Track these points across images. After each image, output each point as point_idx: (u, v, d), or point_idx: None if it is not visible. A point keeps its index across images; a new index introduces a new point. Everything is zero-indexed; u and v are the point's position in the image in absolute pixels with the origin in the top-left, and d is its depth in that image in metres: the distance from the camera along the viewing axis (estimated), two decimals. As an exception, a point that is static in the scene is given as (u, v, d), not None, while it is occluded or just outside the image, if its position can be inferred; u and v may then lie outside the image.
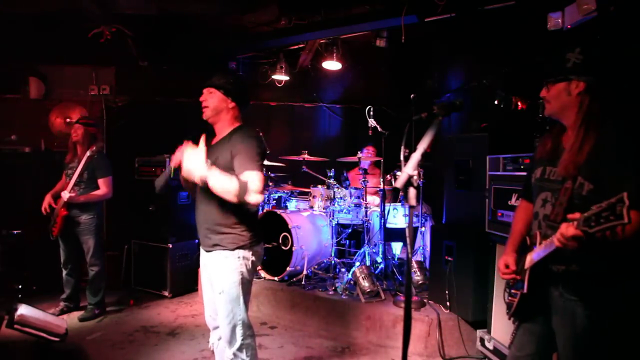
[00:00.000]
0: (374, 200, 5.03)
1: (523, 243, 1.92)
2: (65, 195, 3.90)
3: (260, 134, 2.43)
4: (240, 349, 2.30)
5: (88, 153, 3.98)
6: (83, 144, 4.07)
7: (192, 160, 2.05)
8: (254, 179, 2.09)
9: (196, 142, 2.12)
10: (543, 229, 1.76)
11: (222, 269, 2.27)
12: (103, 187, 4.10)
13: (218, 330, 2.45)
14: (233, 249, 2.25)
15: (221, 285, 2.27)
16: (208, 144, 2.33)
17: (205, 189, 2.17)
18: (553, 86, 1.72)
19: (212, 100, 2.32)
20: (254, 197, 2.07)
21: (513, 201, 2.89)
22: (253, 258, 2.32)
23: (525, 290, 1.74)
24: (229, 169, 2.17)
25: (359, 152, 4.72)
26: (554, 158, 1.77)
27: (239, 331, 2.29)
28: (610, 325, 1.63)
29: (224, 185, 2.04)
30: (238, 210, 2.23)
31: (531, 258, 1.74)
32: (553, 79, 1.72)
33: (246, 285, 2.31)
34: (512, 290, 1.91)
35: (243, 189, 2.05)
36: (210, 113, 2.33)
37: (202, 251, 2.44)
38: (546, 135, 1.93)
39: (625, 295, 1.63)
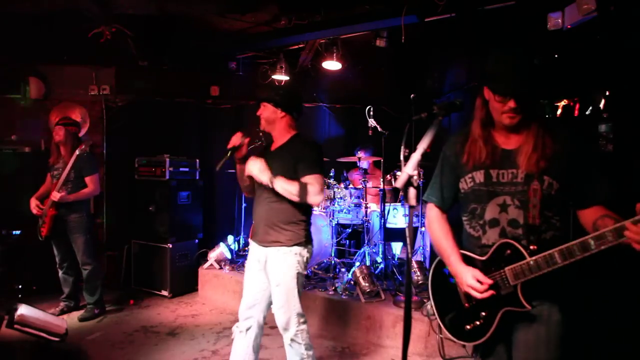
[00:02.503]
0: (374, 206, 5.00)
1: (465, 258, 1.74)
2: (56, 195, 3.91)
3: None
4: (296, 335, 2.52)
5: (77, 152, 3.98)
6: (66, 145, 4.09)
7: (257, 167, 2.40)
8: (314, 182, 2.40)
9: (248, 135, 2.57)
10: (519, 235, 1.61)
11: (280, 264, 2.48)
12: (90, 184, 4.11)
13: (249, 320, 2.59)
14: (291, 246, 2.48)
15: (278, 279, 2.48)
16: (268, 150, 2.66)
17: (267, 189, 2.48)
18: (530, 103, 1.64)
19: (266, 113, 2.57)
20: (314, 199, 2.41)
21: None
22: (307, 255, 2.55)
23: (528, 307, 1.56)
24: (291, 173, 2.44)
25: (358, 152, 4.72)
26: (498, 160, 1.67)
27: (294, 320, 2.51)
28: (575, 322, 1.63)
29: (287, 189, 2.37)
30: (296, 211, 2.49)
31: (526, 270, 1.55)
32: (536, 96, 1.70)
33: (300, 279, 2.53)
34: (482, 313, 1.67)
35: (304, 191, 2.37)
36: (265, 123, 2.60)
37: (253, 244, 2.62)
38: (461, 141, 1.78)
39: (583, 293, 1.63)
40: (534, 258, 1.53)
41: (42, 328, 3.18)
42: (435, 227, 1.86)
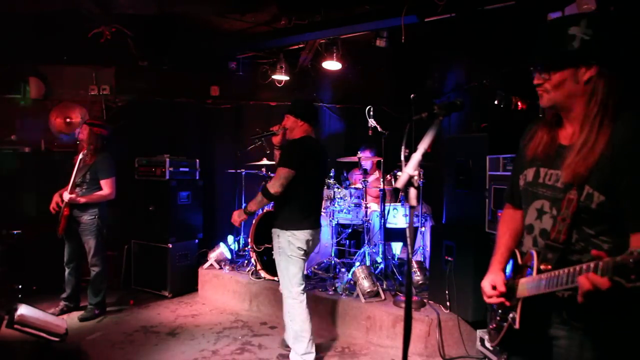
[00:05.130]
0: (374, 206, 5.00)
1: (513, 259, 1.62)
2: (66, 196, 3.93)
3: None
4: (284, 298, 3.17)
5: (80, 156, 4.00)
6: (88, 145, 4.09)
7: (236, 219, 3.29)
8: (276, 175, 3.02)
9: (284, 129, 3.26)
10: (541, 248, 1.43)
11: (275, 243, 3.19)
12: (105, 188, 4.12)
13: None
14: (281, 229, 3.12)
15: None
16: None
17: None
18: (555, 73, 1.36)
19: (288, 123, 3.23)
20: (271, 190, 3.00)
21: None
22: (293, 238, 3.06)
23: (517, 325, 1.41)
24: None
25: (358, 152, 4.72)
26: (551, 157, 1.46)
27: (284, 291, 3.16)
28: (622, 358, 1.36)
29: (259, 202, 3.14)
30: (284, 202, 3.09)
31: (526, 287, 1.40)
32: (557, 64, 1.35)
33: (287, 258, 3.10)
34: (500, 315, 1.57)
35: (264, 192, 3.04)
36: (287, 131, 3.24)
37: None
38: (535, 128, 1.56)
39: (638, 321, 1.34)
40: (538, 277, 1.36)
41: (42, 328, 3.17)
42: (499, 225, 1.73)
